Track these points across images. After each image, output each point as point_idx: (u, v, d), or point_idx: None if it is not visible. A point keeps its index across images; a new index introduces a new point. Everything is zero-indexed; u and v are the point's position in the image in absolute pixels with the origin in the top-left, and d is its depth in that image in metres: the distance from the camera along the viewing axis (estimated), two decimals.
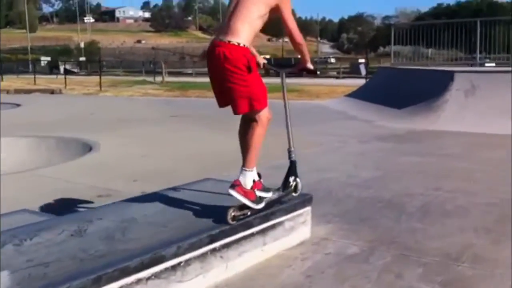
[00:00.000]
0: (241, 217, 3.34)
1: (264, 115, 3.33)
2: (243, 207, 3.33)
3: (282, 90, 3.78)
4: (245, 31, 3.22)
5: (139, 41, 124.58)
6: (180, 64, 63.34)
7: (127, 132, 10.40)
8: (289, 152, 3.78)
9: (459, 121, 10.10)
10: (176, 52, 72.02)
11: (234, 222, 3.27)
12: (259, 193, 3.44)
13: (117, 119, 12.66)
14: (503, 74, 10.98)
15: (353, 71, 35.19)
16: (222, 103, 3.40)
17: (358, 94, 14.96)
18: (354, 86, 17.36)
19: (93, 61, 59.67)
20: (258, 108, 3.29)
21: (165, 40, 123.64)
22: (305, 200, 4.05)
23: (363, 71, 31.64)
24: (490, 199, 5.04)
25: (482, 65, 14.82)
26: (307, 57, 3.59)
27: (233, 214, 3.26)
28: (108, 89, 25.37)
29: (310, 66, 3.64)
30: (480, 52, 15.12)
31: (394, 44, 16.05)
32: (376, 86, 14.74)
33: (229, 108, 3.39)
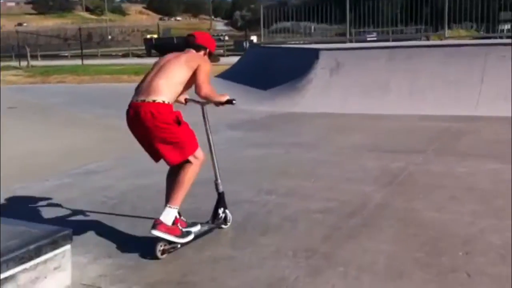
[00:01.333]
0: (171, 250, 3.32)
1: (198, 155, 3.41)
2: (172, 242, 3.31)
3: (204, 123, 3.70)
4: (169, 91, 3.32)
5: (20, 24, 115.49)
6: (58, 46, 58.82)
7: None
8: (216, 184, 3.74)
9: (323, 101, 9.50)
10: (46, 35, 66.62)
11: (163, 256, 3.26)
12: (186, 229, 3.45)
13: None
14: (368, 50, 10.48)
15: (238, 49, 34.30)
16: (156, 159, 3.44)
17: (226, 75, 14.00)
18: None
19: None
20: (190, 154, 3.37)
21: (49, 22, 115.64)
22: (60, 239, 2.93)
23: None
24: (326, 203, 4.22)
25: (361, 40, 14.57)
26: (219, 98, 3.46)
27: (162, 248, 3.26)
28: None
29: (224, 99, 3.47)
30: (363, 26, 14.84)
31: (283, 20, 15.44)
32: (245, 65, 13.88)
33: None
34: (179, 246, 3.33)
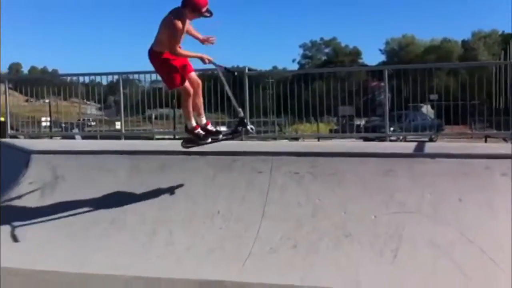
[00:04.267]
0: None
1: (184, 88, 5.53)
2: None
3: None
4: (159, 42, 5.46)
5: None
6: None
7: None
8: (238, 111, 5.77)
9: (13, 252, 5.39)
10: None
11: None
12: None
13: None
14: (97, 155, 6.60)
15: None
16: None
17: None
18: None
19: None
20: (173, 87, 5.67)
21: None
22: None
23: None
24: None
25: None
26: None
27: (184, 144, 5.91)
28: None
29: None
30: None
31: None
32: None
33: None
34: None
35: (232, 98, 5.84)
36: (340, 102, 10.75)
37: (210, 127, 5.84)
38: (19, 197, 6.32)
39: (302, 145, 8.84)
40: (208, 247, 4.91)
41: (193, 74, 5.67)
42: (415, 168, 5.35)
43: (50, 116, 13.18)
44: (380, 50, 77.95)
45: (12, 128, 11.38)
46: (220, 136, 5.81)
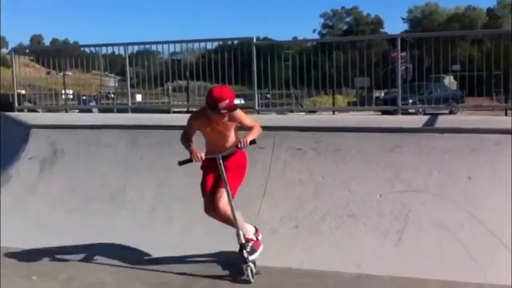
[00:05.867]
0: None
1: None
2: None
3: (222, 174, 4.21)
4: None
5: None
6: None
7: None
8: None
9: (9, 225, 5.32)
10: None
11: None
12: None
13: None
14: (103, 130, 6.42)
15: None
16: None
17: None
18: None
19: None
20: None
21: None
22: None
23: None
24: None
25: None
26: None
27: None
28: None
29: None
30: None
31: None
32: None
33: None
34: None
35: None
36: (358, 74, 10.38)
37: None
38: (18, 172, 6.24)
39: (305, 119, 8.58)
40: (208, 225, 4.78)
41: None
42: (422, 143, 5.10)
43: (64, 88, 12.99)
44: (403, 18, 76.53)
45: (29, 101, 11.30)
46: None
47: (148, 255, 4.79)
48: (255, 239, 4.38)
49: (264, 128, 5.61)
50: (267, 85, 10.77)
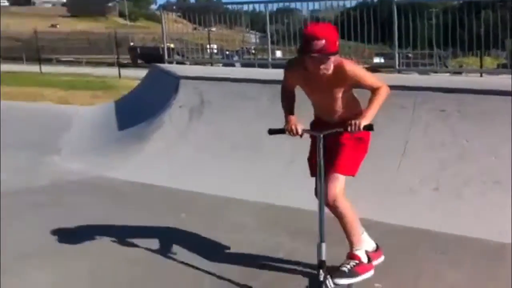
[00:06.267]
0: None
1: None
2: None
3: (318, 154, 3.11)
4: None
5: (53, 26, 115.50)
6: (83, 51, 56.48)
7: None
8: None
9: (164, 166, 5.94)
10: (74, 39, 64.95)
11: None
12: None
13: None
14: (245, 84, 6.75)
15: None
16: None
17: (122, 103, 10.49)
18: None
19: None
20: None
21: (82, 26, 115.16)
22: None
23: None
24: None
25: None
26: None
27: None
28: None
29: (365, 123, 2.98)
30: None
31: None
32: (138, 93, 10.33)
33: None
34: None
35: None
36: (509, 35, 9.57)
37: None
38: (171, 118, 6.83)
39: (450, 80, 8.16)
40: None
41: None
42: None
43: (209, 43, 13.84)
44: None
45: (177, 53, 12.28)
46: None
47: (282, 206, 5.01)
48: (366, 261, 3.18)
49: (405, 88, 5.50)
50: (409, 44, 10.38)
